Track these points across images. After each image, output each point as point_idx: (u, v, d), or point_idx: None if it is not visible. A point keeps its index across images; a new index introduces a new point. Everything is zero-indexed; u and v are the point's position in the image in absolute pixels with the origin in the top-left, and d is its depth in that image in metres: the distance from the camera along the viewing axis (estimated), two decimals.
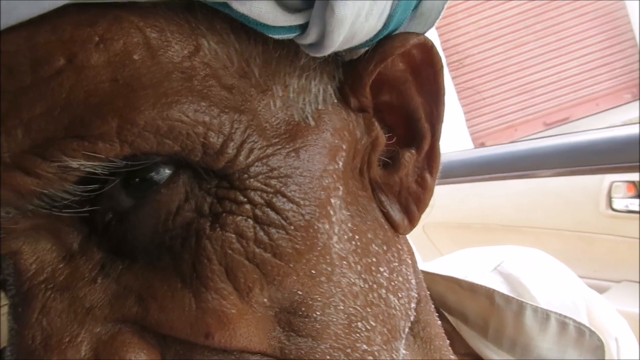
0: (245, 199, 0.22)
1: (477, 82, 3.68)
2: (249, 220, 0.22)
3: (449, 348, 0.37)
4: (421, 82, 0.28)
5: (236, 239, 0.22)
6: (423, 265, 0.48)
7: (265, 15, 0.21)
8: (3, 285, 0.24)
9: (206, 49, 0.22)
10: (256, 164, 0.22)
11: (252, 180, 0.22)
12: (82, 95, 0.19)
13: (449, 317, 0.47)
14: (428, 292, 0.36)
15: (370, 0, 0.23)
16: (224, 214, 0.22)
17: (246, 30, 0.23)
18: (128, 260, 0.22)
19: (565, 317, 0.44)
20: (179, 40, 0.21)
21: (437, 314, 0.42)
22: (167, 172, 0.21)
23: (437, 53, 0.28)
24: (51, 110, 0.19)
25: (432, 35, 0.30)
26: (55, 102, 0.19)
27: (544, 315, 0.44)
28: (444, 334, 0.37)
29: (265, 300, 0.23)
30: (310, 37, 0.23)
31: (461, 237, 1.57)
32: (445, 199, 1.54)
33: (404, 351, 0.30)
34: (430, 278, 0.46)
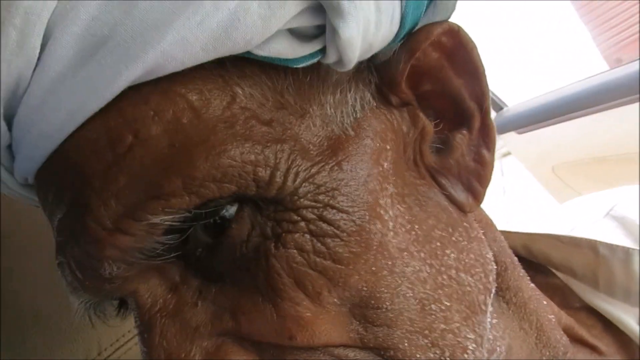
0: (299, 218, 0.25)
1: None
2: (306, 235, 0.25)
3: (547, 308, 0.37)
4: (457, 65, 0.29)
5: (298, 253, 0.25)
6: (520, 225, 0.47)
7: (284, 51, 0.24)
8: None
9: (241, 95, 0.24)
10: (303, 184, 0.25)
11: (302, 200, 0.24)
12: (150, 163, 0.23)
13: (558, 274, 0.46)
14: (515, 258, 0.36)
15: (376, 12, 0.24)
16: (283, 234, 0.24)
17: (274, 67, 0.25)
18: (219, 284, 0.26)
19: None
20: (217, 95, 0.24)
21: (541, 272, 0.41)
22: (233, 209, 0.24)
23: (466, 34, 0.29)
24: (131, 179, 0.23)
25: None
26: (133, 172, 0.23)
27: None
28: (538, 296, 0.37)
29: (335, 300, 0.25)
30: (331, 57, 0.25)
31: (596, 172, 1.46)
32: (572, 136, 1.45)
33: (494, 320, 0.31)
34: (530, 238, 0.46)
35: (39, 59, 0.22)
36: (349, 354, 0.26)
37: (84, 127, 0.23)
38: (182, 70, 0.23)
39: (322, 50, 0.25)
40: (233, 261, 0.25)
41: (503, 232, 0.45)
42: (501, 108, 1.70)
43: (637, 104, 1.24)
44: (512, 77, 1.72)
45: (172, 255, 0.25)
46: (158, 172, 0.23)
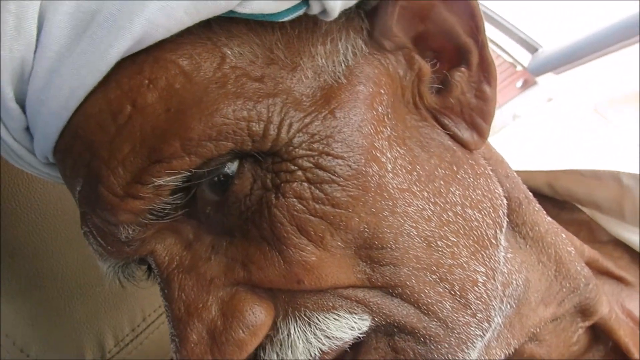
0: (296, 167, 0.25)
1: None
2: (304, 183, 0.26)
3: (566, 241, 0.37)
4: (448, 1, 0.29)
5: (297, 201, 0.26)
6: (537, 163, 0.46)
7: (266, 7, 0.24)
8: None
9: (230, 55, 0.25)
10: (297, 135, 0.25)
11: (297, 149, 0.25)
12: (150, 129, 0.24)
13: (583, 209, 0.46)
14: (530, 194, 0.36)
15: None
16: (282, 184, 0.26)
17: (261, 24, 0.25)
18: (229, 238, 0.27)
19: None
20: (207, 58, 0.25)
21: (566, 208, 0.40)
22: (234, 166, 0.26)
23: None
24: (134, 147, 0.25)
25: None
26: (135, 140, 0.24)
27: None
28: (556, 229, 0.37)
29: (339, 243, 0.26)
30: (314, 8, 0.25)
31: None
32: (611, 72, 1.39)
33: (509, 255, 0.31)
34: (553, 175, 0.45)
35: (37, 41, 0.24)
36: (359, 294, 0.27)
37: (87, 102, 0.25)
38: (172, 38, 0.24)
39: (305, 2, 0.25)
40: (239, 215, 0.27)
41: (526, 172, 0.45)
42: (536, 50, 1.64)
43: None
44: (545, 17, 1.65)
45: (180, 213, 0.27)
46: (157, 137, 0.24)
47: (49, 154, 0.28)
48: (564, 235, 0.37)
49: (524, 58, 1.71)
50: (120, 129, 0.25)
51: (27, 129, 0.28)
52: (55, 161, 0.29)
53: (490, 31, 1.77)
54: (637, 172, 0.42)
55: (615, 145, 0.53)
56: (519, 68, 1.90)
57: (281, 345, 0.27)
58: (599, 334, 0.38)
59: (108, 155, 0.25)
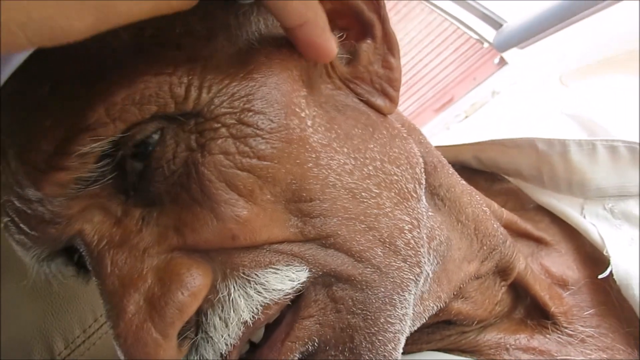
0: (219, 124, 0.26)
1: None
2: (228, 139, 0.26)
3: (480, 201, 0.38)
4: None
5: (224, 157, 0.26)
6: (470, 135, 0.47)
7: None
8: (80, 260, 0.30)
9: (148, 26, 0.25)
10: (218, 94, 0.26)
11: (219, 108, 0.26)
12: (71, 99, 0.24)
13: (509, 179, 0.47)
14: (443, 158, 0.38)
15: None
16: (207, 142, 0.26)
17: None
18: (159, 207, 0.27)
19: (613, 140, 0.42)
20: (125, 27, 0.24)
21: (497, 179, 0.41)
22: (155, 136, 0.26)
23: None
24: (56, 118, 0.24)
25: None
26: (56, 112, 0.24)
27: (590, 146, 0.42)
28: (470, 191, 0.39)
29: (268, 197, 0.27)
30: None
31: (604, 75, 1.41)
32: (575, 43, 1.40)
33: (430, 213, 0.33)
34: (479, 148, 0.47)
35: None
36: (294, 248, 0.27)
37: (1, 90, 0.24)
38: None
39: None
40: (165, 180, 0.27)
41: (454, 147, 0.46)
42: (500, 25, 1.65)
43: None
44: None
45: (107, 178, 0.27)
46: (80, 106, 0.24)
47: None
48: (478, 197, 0.39)
49: (489, 35, 1.72)
50: (40, 102, 0.25)
51: None
52: None
53: (455, 10, 1.77)
54: (550, 137, 0.43)
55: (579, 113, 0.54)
56: (485, 45, 1.91)
57: (222, 306, 0.27)
58: (519, 292, 0.40)
59: (27, 131, 0.25)
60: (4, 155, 0.26)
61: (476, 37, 1.84)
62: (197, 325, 0.27)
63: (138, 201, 0.28)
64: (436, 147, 0.39)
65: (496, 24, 1.66)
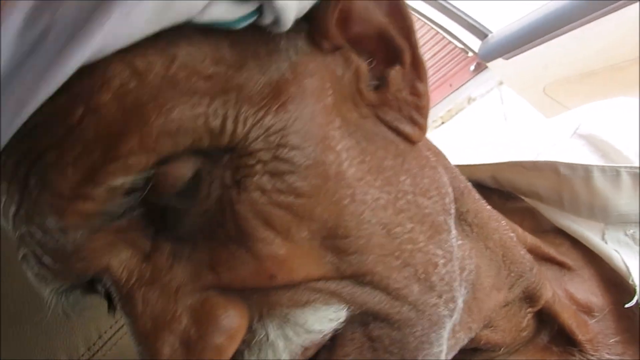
0: (255, 161, 0.25)
1: None
2: (264, 176, 0.25)
3: (506, 227, 0.38)
4: (380, 4, 0.30)
5: (260, 194, 0.25)
6: (481, 157, 0.47)
7: (223, 15, 0.24)
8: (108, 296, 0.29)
9: (180, 55, 0.25)
10: (253, 129, 0.25)
11: (254, 143, 0.25)
12: (104, 127, 0.23)
13: (525, 199, 0.47)
14: (469, 183, 0.37)
15: None
16: (242, 179, 0.25)
17: (209, 27, 0.25)
18: (191, 243, 0.26)
19: (638, 167, 0.42)
20: (158, 57, 0.24)
21: (511, 198, 0.41)
22: (188, 169, 0.25)
23: None
24: (87, 146, 0.23)
25: None
26: (88, 139, 0.23)
27: (614, 173, 0.42)
28: (497, 216, 0.38)
29: (305, 234, 0.26)
30: (268, 19, 0.26)
31: (587, 87, 1.44)
32: (559, 54, 1.42)
33: (459, 242, 0.32)
34: (496, 168, 0.46)
35: None
36: (331, 286, 0.27)
37: (37, 114, 0.24)
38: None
39: (259, 10, 0.25)
40: (200, 217, 0.26)
41: (471, 166, 0.46)
42: (486, 36, 1.67)
43: (620, 11, 1.21)
44: (494, 3, 1.68)
45: (135, 213, 0.26)
46: (113, 134, 0.23)
47: None
48: (504, 223, 0.39)
49: (474, 44, 1.74)
50: (70, 130, 0.24)
51: None
52: None
53: (441, 19, 1.79)
54: (573, 162, 0.43)
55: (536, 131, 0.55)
56: (470, 54, 1.93)
57: (260, 347, 0.26)
58: (544, 318, 0.39)
59: (55, 157, 0.24)
60: (22, 181, 0.25)
61: (461, 46, 1.87)
62: None
63: (168, 236, 0.27)
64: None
65: (481, 34, 1.69)
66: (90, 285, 0.30)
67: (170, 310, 0.25)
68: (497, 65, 1.66)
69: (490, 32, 1.66)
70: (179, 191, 0.25)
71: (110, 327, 0.47)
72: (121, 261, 0.26)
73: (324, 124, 0.27)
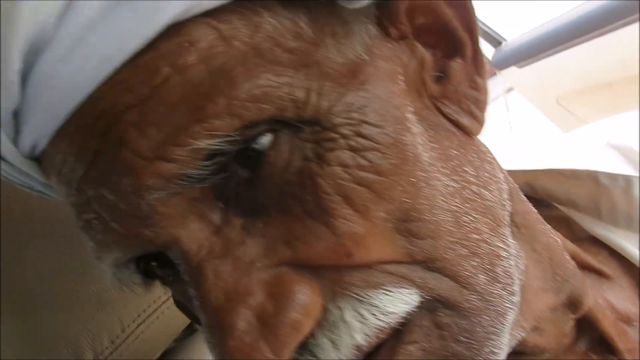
0: (338, 135, 0.25)
1: None
2: (347, 151, 0.25)
3: (552, 231, 0.38)
4: None
5: (342, 169, 0.25)
6: (521, 163, 0.47)
7: None
8: (166, 277, 0.29)
9: (265, 24, 0.25)
10: (336, 104, 0.25)
11: (337, 118, 0.25)
12: (191, 89, 0.23)
13: (561, 208, 0.47)
14: (516, 185, 0.37)
15: None
16: (325, 153, 0.25)
17: (290, 1, 0.26)
18: (264, 218, 0.26)
19: None
20: (243, 25, 0.24)
21: (544, 205, 0.41)
22: (266, 139, 0.25)
23: None
24: (172, 106, 0.23)
25: None
26: (173, 100, 0.23)
27: None
28: (542, 219, 0.38)
29: (382, 214, 0.26)
30: None
31: (602, 98, 1.44)
32: (574, 64, 1.42)
33: (512, 240, 0.32)
34: (532, 175, 0.46)
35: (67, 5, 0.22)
36: (402, 270, 0.26)
37: (120, 71, 0.23)
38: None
39: None
40: (276, 190, 0.25)
41: (506, 171, 0.46)
42: (500, 43, 1.67)
43: (638, 24, 1.21)
44: (509, 10, 1.68)
45: (213, 179, 0.25)
46: (200, 96, 0.23)
47: (43, 140, 0.26)
48: (549, 226, 0.38)
49: (488, 51, 1.74)
50: (155, 90, 0.23)
51: (13, 112, 0.25)
52: (49, 148, 0.26)
53: None
54: (614, 172, 0.43)
55: (570, 140, 0.55)
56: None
57: (333, 327, 0.26)
58: (584, 326, 0.39)
59: (138, 117, 0.23)
60: (95, 140, 0.24)
61: None
62: (302, 346, 0.25)
63: (239, 210, 0.26)
64: None
65: (495, 41, 1.68)
66: (143, 263, 0.29)
67: (244, 284, 0.25)
68: (510, 74, 1.65)
69: (504, 40, 1.65)
70: (257, 161, 0.25)
71: (133, 321, 0.47)
72: (191, 232, 0.26)
73: (401, 105, 0.27)
